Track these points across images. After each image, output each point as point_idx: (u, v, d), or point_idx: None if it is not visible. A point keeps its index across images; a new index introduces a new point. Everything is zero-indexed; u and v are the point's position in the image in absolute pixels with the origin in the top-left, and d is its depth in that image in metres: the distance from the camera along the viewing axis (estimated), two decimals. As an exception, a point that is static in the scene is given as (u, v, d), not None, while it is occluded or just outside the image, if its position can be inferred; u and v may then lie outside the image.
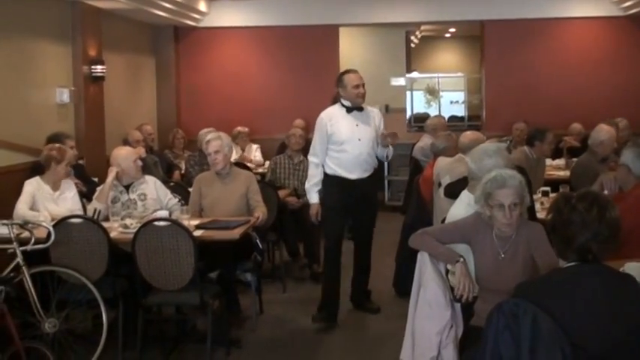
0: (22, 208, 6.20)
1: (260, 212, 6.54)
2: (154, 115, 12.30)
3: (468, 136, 6.93)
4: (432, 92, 19.52)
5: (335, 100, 6.99)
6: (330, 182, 6.76)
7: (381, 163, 7.09)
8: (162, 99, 12.49)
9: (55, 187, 6.46)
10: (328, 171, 6.75)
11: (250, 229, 6.27)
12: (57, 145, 6.68)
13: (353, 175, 6.69)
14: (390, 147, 6.82)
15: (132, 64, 11.48)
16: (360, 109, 6.71)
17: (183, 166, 9.84)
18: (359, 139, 6.64)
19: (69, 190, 6.56)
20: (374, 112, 6.85)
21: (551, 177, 8.62)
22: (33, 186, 6.39)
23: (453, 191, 6.01)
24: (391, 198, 12.71)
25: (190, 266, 5.54)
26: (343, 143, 6.65)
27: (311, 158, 6.81)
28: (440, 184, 6.77)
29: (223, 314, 6.04)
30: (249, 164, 9.92)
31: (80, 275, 5.58)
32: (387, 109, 13.36)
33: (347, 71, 6.79)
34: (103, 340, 5.50)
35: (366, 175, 6.75)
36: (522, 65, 12.05)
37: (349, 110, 6.69)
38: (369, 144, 6.69)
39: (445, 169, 6.87)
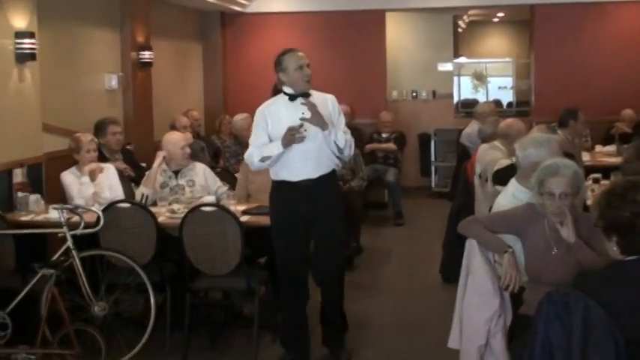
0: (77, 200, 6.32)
1: None
2: (200, 101, 12.36)
3: (507, 122, 6.88)
4: (480, 78, 19.33)
5: (276, 91, 5.79)
6: (276, 191, 5.51)
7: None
8: (209, 85, 12.53)
9: (92, 174, 6.52)
10: (272, 176, 5.51)
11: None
12: (76, 134, 6.75)
13: (297, 177, 5.37)
14: (339, 134, 5.38)
15: (179, 50, 11.53)
16: (307, 95, 5.43)
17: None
18: (305, 130, 5.28)
19: (107, 177, 6.62)
20: (326, 99, 5.55)
21: (602, 163, 8.51)
22: (70, 177, 6.50)
23: (501, 178, 5.96)
24: (438, 184, 12.65)
25: (237, 251, 5.56)
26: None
27: (245, 156, 5.64)
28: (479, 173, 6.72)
29: (270, 300, 6.05)
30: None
31: (129, 259, 5.62)
32: (434, 95, 13.27)
33: (287, 51, 5.57)
34: (151, 324, 5.54)
35: (315, 175, 5.37)
36: (572, 50, 11.87)
37: (292, 98, 5.44)
38: (319, 136, 5.33)
39: (479, 157, 6.82)
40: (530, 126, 7.37)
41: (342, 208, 5.65)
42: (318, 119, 5.25)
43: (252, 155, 5.42)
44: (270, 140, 5.37)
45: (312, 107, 5.24)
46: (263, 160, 5.37)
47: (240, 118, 9.46)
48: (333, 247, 5.50)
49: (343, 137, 5.39)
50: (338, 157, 5.49)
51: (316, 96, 5.47)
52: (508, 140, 6.56)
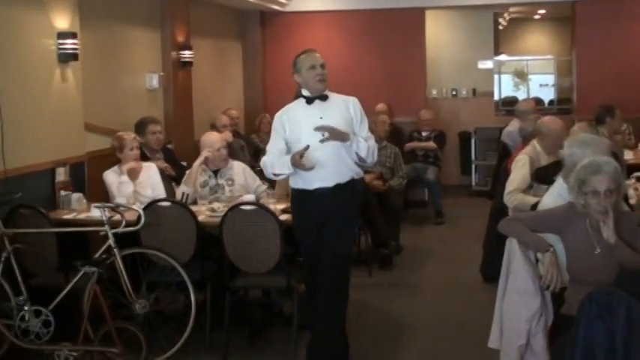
0: (118, 198, 6.37)
1: None
2: (240, 100, 12.41)
3: (541, 120, 6.83)
4: (521, 75, 19.16)
5: (297, 97, 5.48)
6: (294, 199, 5.43)
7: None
8: (248, 83, 12.58)
9: (132, 173, 6.56)
10: (291, 184, 5.40)
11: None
12: (119, 133, 6.80)
13: (312, 185, 5.21)
14: (361, 142, 5.20)
15: (219, 49, 11.59)
16: (324, 97, 5.28)
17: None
18: (322, 135, 5.09)
19: (149, 176, 6.66)
20: (348, 102, 5.32)
21: (646, 162, 8.39)
22: (111, 176, 6.56)
23: (544, 175, 5.90)
24: (478, 183, 12.58)
25: (277, 250, 5.57)
26: (301, 142, 5.14)
27: (262, 161, 5.46)
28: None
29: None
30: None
31: (169, 257, 5.65)
32: (474, 93, 13.20)
33: (302, 52, 5.43)
34: (191, 322, 5.56)
35: (330, 184, 5.18)
36: (615, 47, 11.72)
37: (310, 101, 5.29)
38: (338, 145, 5.15)
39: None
40: (572, 124, 7.29)
41: (353, 218, 5.43)
42: (337, 137, 5.09)
43: (267, 165, 5.29)
44: (288, 146, 5.24)
45: (328, 129, 5.06)
46: (276, 175, 5.31)
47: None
48: (337, 253, 5.20)
49: (365, 145, 5.20)
50: (360, 165, 5.33)
51: (336, 99, 5.31)
52: (541, 138, 6.52)
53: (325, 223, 5.21)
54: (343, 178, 5.22)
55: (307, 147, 5.01)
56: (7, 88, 5.89)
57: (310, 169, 5.06)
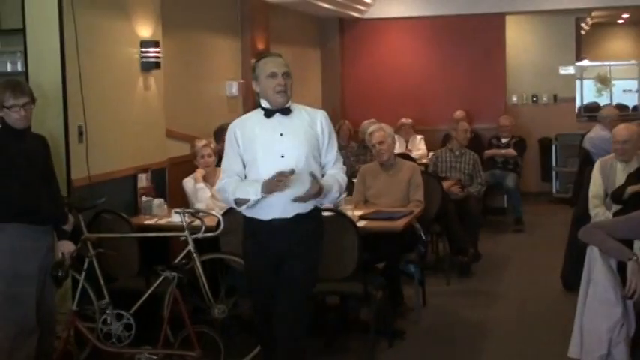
0: (197, 204, 6.46)
1: (413, 206, 6.48)
2: (319, 107, 12.37)
3: (617, 127, 6.75)
4: (604, 81, 18.82)
5: (257, 105, 4.62)
6: (246, 232, 4.60)
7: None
8: (327, 90, 12.63)
9: (209, 179, 6.68)
10: (245, 211, 4.50)
11: (414, 221, 6.25)
12: (194, 141, 6.91)
13: (268, 215, 4.39)
14: (332, 191, 4.42)
15: (298, 57, 11.65)
16: (286, 111, 4.46)
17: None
18: (282, 157, 4.33)
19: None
20: (315, 116, 4.55)
21: None
22: (189, 183, 6.68)
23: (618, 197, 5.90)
24: (559, 190, 12.40)
25: (354, 257, 5.56)
26: (256, 162, 4.39)
27: (216, 186, 4.82)
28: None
29: (387, 305, 6.05)
30: (413, 155, 9.91)
31: (248, 263, 5.69)
32: (555, 99, 13.01)
33: (264, 55, 4.67)
34: (269, 327, 5.59)
35: (290, 214, 4.37)
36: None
37: (269, 114, 4.45)
38: (300, 164, 4.33)
39: None
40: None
41: (317, 257, 4.57)
42: (307, 196, 4.29)
43: (226, 190, 4.44)
44: (244, 165, 4.46)
45: (300, 198, 4.29)
46: (238, 203, 4.40)
47: (367, 122, 9.54)
48: (295, 300, 4.44)
49: (335, 190, 4.43)
50: None
51: (300, 112, 4.52)
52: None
53: (282, 263, 4.45)
54: (305, 208, 4.40)
55: (292, 171, 4.25)
56: (91, 96, 6.03)
57: (285, 188, 4.28)
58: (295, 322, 4.45)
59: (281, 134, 4.37)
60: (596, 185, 6.59)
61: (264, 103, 4.45)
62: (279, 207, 4.34)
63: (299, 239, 4.41)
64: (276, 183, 4.22)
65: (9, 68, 6.02)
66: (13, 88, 4.75)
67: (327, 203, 4.57)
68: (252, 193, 4.30)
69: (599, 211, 6.46)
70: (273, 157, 4.33)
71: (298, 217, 4.37)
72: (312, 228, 4.49)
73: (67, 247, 5.03)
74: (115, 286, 5.79)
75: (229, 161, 4.49)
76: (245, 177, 4.45)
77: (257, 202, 4.32)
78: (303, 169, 4.30)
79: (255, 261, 4.54)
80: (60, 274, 4.96)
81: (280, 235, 4.39)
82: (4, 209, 4.77)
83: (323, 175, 4.47)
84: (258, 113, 4.49)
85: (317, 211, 4.51)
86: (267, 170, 4.29)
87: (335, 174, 4.50)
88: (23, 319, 4.78)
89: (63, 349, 5.31)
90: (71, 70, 5.80)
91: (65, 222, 5.00)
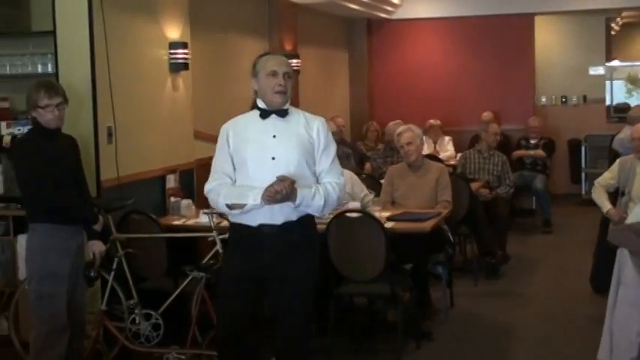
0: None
1: (441, 207, 6.46)
2: (346, 108, 12.47)
3: (638, 125, 6.71)
4: (634, 81, 18.66)
5: (252, 105, 4.41)
6: (231, 238, 4.34)
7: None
8: (354, 91, 12.64)
9: None
10: (231, 217, 4.29)
11: (442, 222, 6.24)
12: None
13: (256, 221, 4.11)
14: (316, 197, 4.09)
15: (325, 58, 11.68)
16: (283, 112, 4.22)
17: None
18: (273, 158, 4.09)
19: None
20: (313, 122, 4.25)
21: None
22: None
23: None
24: (589, 191, 12.28)
25: (382, 257, 5.56)
26: (246, 164, 4.15)
27: (206, 187, 4.30)
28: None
29: (414, 306, 6.04)
30: (441, 156, 9.89)
31: (275, 264, 5.70)
32: (584, 100, 12.93)
33: (266, 53, 4.54)
34: (297, 328, 5.59)
35: (279, 220, 4.11)
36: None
37: (264, 115, 4.23)
38: (291, 167, 4.08)
39: None
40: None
41: (311, 271, 4.28)
42: (279, 199, 3.96)
43: (216, 192, 4.18)
44: (234, 168, 4.21)
45: (274, 188, 3.95)
46: (231, 207, 4.11)
47: (392, 123, 9.53)
48: (301, 310, 4.24)
49: (320, 197, 4.09)
50: None
51: (298, 116, 4.27)
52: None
53: (270, 282, 4.21)
54: (296, 214, 4.15)
55: (293, 182, 4.00)
56: (120, 97, 6.06)
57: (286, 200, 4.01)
58: (293, 337, 4.25)
59: (274, 136, 4.15)
60: (609, 177, 6.65)
61: (261, 104, 4.25)
62: (267, 210, 4.05)
63: (288, 252, 4.13)
64: (277, 191, 3.92)
65: (40, 70, 6.07)
66: (47, 89, 4.79)
67: (311, 212, 4.16)
68: (251, 197, 4.01)
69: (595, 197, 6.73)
70: (264, 158, 4.10)
71: (288, 225, 4.11)
72: (301, 238, 4.19)
73: (97, 247, 5.07)
74: (144, 286, 5.81)
75: (219, 161, 4.24)
76: (235, 180, 4.19)
77: (252, 207, 4.03)
78: (295, 173, 4.04)
79: (232, 270, 4.24)
80: (92, 274, 5.01)
81: (269, 243, 4.11)
82: (36, 209, 4.83)
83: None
84: (253, 114, 4.28)
85: (309, 218, 4.22)
86: (256, 172, 4.08)
87: (325, 182, 4.19)
88: (55, 317, 4.83)
89: (92, 348, 5.36)
90: (101, 71, 5.85)
91: (95, 222, 5.04)
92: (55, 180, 4.77)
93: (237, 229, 4.22)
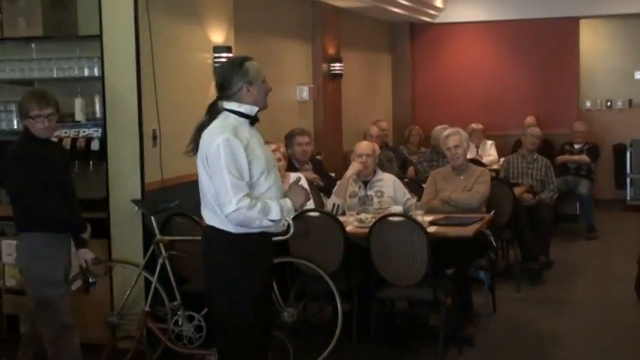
0: None
1: (467, 193, 6.55)
2: (389, 111, 12.46)
3: None
4: (681, 85, 18.41)
5: (213, 112, 4.25)
6: (247, 248, 4.05)
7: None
8: (397, 95, 12.63)
9: None
10: (233, 229, 4.02)
11: (485, 227, 6.20)
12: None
13: (270, 228, 4.06)
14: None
15: (368, 61, 11.67)
16: (254, 119, 4.23)
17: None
18: (273, 165, 4.23)
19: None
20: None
21: None
22: None
23: None
24: (634, 197, 12.15)
25: (424, 262, 5.55)
26: (264, 174, 4.04)
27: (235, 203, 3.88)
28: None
29: (456, 311, 6.01)
30: (483, 161, 9.85)
31: (317, 267, 5.71)
32: (630, 104, 12.76)
33: (248, 57, 4.45)
34: (338, 332, 5.58)
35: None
36: None
37: (252, 122, 4.20)
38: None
39: None
40: None
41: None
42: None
43: (250, 207, 3.89)
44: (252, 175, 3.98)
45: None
46: (274, 221, 4.02)
47: (438, 127, 9.49)
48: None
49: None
50: None
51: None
52: None
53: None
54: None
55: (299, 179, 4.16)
56: (165, 101, 6.12)
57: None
58: None
59: (266, 143, 4.25)
60: None
61: (248, 109, 4.18)
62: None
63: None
64: (302, 191, 4.14)
65: (86, 73, 6.14)
66: (38, 99, 4.81)
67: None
68: (293, 211, 4.08)
69: None
70: (274, 168, 4.19)
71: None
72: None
73: (87, 255, 5.06)
74: (187, 288, 5.84)
75: (241, 174, 3.92)
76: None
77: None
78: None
79: (262, 290, 4.09)
80: (90, 280, 5.03)
81: (270, 247, 4.20)
82: (28, 218, 4.86)
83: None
84: (243, 124, 4.13)
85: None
86: (274, 180, 4.11)
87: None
88: (56, 321, 4.86)
89: (136, 348, 5.42)
90: (146, 75, 5.91)
91: (84, 230, 5.05)
92: (44, 188, 4.78)
93: (255, 238, 4.03)
